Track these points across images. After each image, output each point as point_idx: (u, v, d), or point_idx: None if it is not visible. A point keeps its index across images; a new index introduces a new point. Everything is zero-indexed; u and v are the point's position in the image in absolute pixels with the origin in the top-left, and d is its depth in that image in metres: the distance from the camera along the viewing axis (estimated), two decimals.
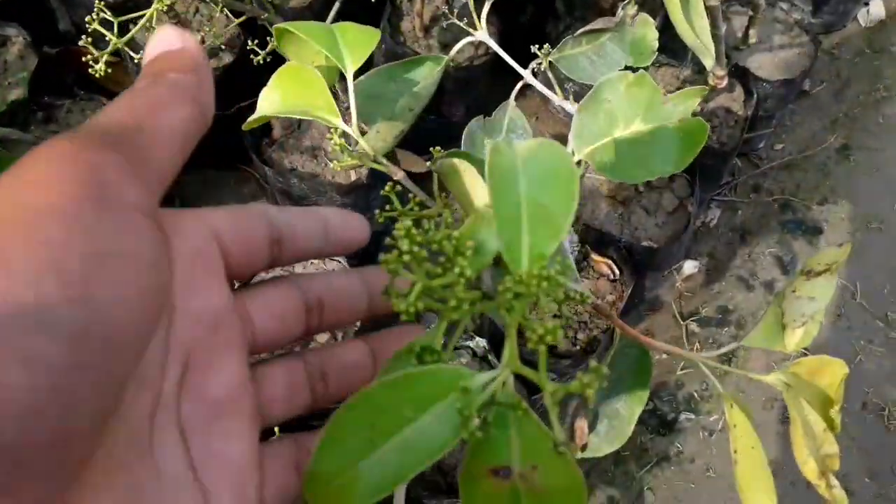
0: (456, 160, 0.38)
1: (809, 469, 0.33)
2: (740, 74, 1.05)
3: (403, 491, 0.62)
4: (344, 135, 0.48)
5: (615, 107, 0.49)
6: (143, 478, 0.22)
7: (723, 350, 0.41)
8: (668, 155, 0.47)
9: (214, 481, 0.24)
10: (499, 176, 0.29)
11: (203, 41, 1.05)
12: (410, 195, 0.46)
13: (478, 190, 0.39)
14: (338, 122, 0.48)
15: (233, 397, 0.26)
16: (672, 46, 0.99)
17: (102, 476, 0.20)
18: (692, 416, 1.05)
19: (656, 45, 0.61)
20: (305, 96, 0.50)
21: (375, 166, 0.49)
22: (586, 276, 0.96)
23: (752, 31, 1.05)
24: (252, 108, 0.50)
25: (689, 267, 1.17)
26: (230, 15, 0.83)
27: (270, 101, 0.52)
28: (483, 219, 0.33)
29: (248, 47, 0.75)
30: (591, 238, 0.96)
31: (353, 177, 0.90)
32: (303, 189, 0.95)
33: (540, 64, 0.56)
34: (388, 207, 0.40)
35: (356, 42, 0.51)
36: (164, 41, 0.25)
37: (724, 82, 0.92)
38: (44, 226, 0.18)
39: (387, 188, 0.41)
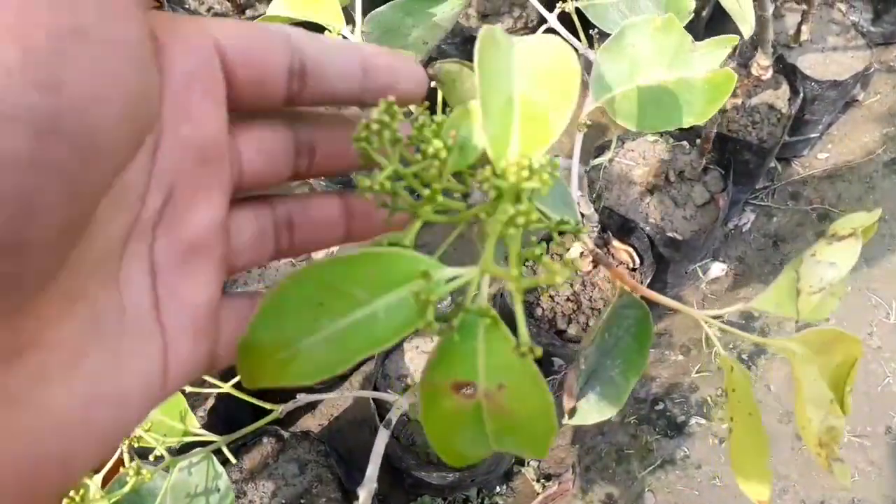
0: (455, 65, 0.35)
1: (809, 435, 0.30)
2: (788, 72, 1.01)
3: (378, 461, 0.60)
4: None
5: (639, 52, 0.45)
6: (104, 309, 0.20)
7: (730, 309, 0.37)
8: (691, 106, 0.44)
9: (175, 325, 0.22)
10: (490, 64, 0.26)
11: None
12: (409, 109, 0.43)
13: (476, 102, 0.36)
14: (341, 27, 0.46)
15: (208, 239, 0.23)
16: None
17: (64, 301, 0.18)
18: (703, 422, 1.01)
19: (693, 5, 0.57)
20: (313, 3, 0.48)
21: None
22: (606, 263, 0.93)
23: (804, 28, 1.01)
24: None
25: (717, 269, 1.12)
26: None
27: (279, 5, 0.50)
28: (470, 113, 0.30)
29: None
30: (614, 224, 0.92)
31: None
32: None
33: (564, 7, 0.53)
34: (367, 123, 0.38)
35: None
36: None
37: (769, 74, 0.87)
38: None
39: (382, 105, 0.39)
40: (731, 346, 1.06)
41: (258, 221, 0.26)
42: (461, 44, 1.06)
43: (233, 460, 0.51)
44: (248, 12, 1.06)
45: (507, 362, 0.24)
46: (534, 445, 0.26)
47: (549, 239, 0.75)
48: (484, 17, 1.05)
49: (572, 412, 0.48)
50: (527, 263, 0.98)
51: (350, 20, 0.48)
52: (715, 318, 0.38)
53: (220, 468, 0.48)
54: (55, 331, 0.18)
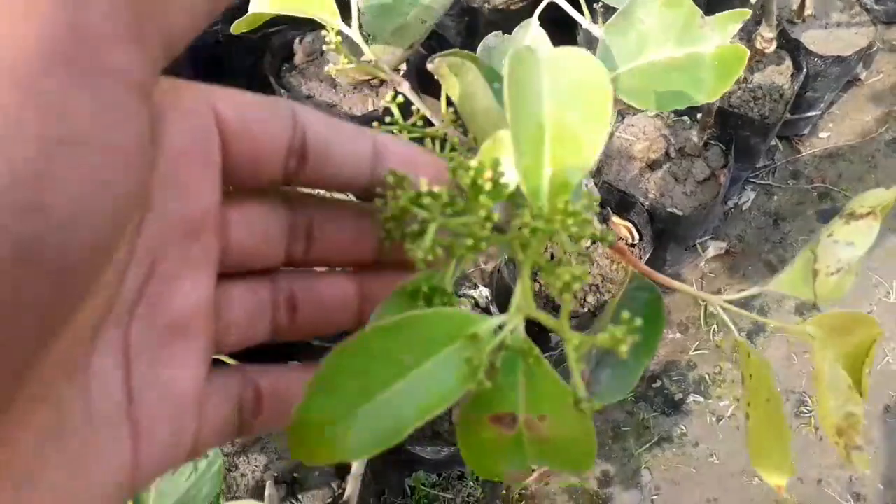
0: (457, 58, 0.33)
1: (829, 425, 0.29)
2: (791, 47, 0.99)
3: (362, 464, 0.59)
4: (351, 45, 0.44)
5: (647, 28, 0.44)
6: (69, 409, 0.18)
7: (744, 294, 0.36)
8: (701, 83, 0.43)
9: (152, 415, 0.20)
10: (519, 90, 0.25)
11: None
12: (414, 108, 0.41)
13: (478, 95, 0.35)
14: (336, 21, 0.44)
15: (193, 319, 0.21)
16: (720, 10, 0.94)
17: (27, 404, 0.16)
18: (701, 399, 1.00)
19: None
20: None
21: (376, 71, 0.45)
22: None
23: (807, 3, 0.99)
24: (278, 34, 0.46)
25: (716, 247, 1.12)
26: None
27: (262, 2, 0.47)
28: (501, 143, 0.29)
29: None
30: (614, 199, 0.91)
31: (370, 107, 0.86)
32: None
33: None
34: (387, 120, 0.36)
35: None
36: None
37: (772, 47, 0.86)
38: None
39: (387, 98, 0.37)
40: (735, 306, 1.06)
41: (254, 296, 0.24)
42: (458, 14, 1.04)
43: None
44: None
45: (548, 393, 0.23)
46: (576, 465, 0.25)
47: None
48: None
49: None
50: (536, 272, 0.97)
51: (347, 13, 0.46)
52: (728, 301, 0.37)
53: None
54: (15, 438, 0.16)
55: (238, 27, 0.50)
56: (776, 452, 0.32)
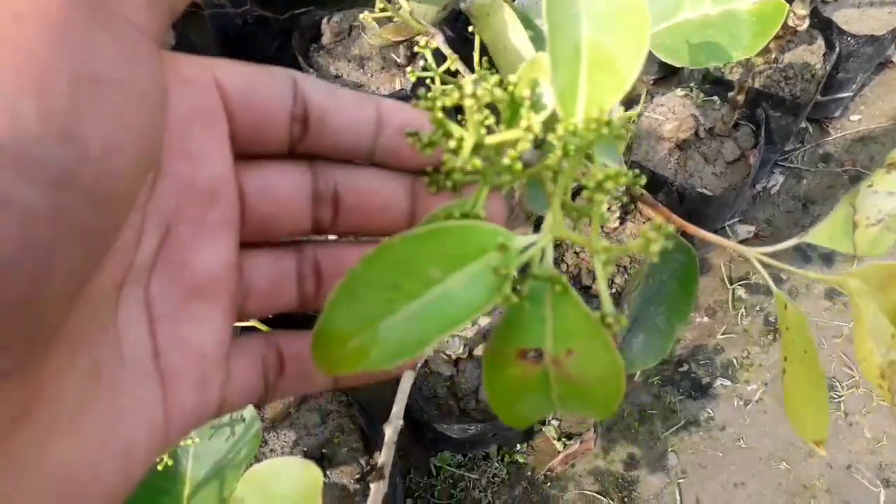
0: None
1: (869, 368, 0.28)
2: (824, 26, 0.98)
3: (404, 400, 0.59)
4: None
5: None
6: (104, 357, 0.19)
7: (780, 246, 0.36)
8: (738, 40, 0.42)
9: (179, 370, 0.21)
10: (558, 11, 0.25)
11: None
12: (448, 57, 0.41)
13: (511, 35, 0.34)
14: None
15: (214, 281, 0.22)
16: None
17: (65, 352, 0.17)
18: (728, 383, 0.99)
19: None
20: None
21: (411, 21, 0.45)
22: (632, 219, 0.91)
23: None
24: (306, 14, 0.47)
25: (743, 231, 1.10)
26: None
27: None
28: (538, 65, 0.28)
29: None
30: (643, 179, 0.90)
31: (398, 85, 0.86)
32: None
33: None
34: (421, 65, 0.36)
35: None
36: None
37: (805, 24, 0.85)
38: (25, 36, 0.14)
39: (421, 44, 0.37)
40: (757, 308, 1.05)
41: (278, 265, 0.24)
42: None
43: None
44: None
45: (575, 328, 0.23)
46: (602, 407, 0.25)
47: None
48: None
49: None
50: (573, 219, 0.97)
51: None
52: (768, 255, 0.37)
53: None
54: (58, 384, 0.17)
55: None
56: (813, 407, 0.31)
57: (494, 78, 0.25)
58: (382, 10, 0.41)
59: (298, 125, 0.22)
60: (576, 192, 0.79)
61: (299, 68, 0.96)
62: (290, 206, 0.24)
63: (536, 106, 0.27)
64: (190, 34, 1.03)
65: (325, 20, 0.94)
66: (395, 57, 0.90)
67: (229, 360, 0.23)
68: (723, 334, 1.03)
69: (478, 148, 0.23)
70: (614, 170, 0.21)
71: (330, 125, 0.23)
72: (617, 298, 0.85)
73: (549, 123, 0.24)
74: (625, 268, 0.88)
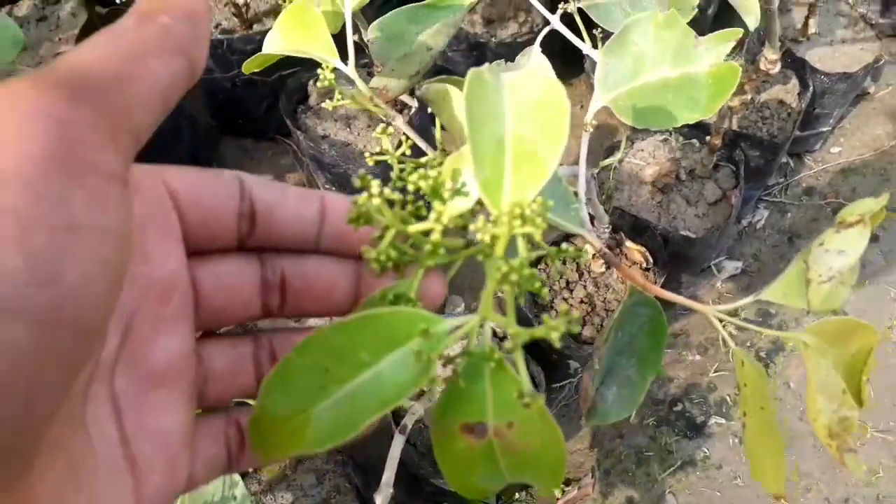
0: (439, 85, 0.35)
1: (820, 426, 0.29)
2: (797, 66, 1.00)
3: (394, 466, 0.60)
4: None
5: (643, 50, 0.45)
6: (79, 455, 0.21)
7: (739, 304, 0.37)
8: (696, 101, 0.44)
9: (146, 456, 0.23)
10: (479, 107, 0.27)
11: (248, 5, 1.04)
12: (404, 136, 0.43)
13: (463, 119, 0.36)
14: (334, 60, 0.46)
15: (172, 370, 0.24)
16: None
17: (46, 452, 0.19)
18: (723, 421, 1.00)
19: (697, 0, 0.57)
20: (306, 37, 0.48)
21: (369, 106, 0.47)
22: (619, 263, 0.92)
23: (811, 22, 1.00)
24: (293, 76, 0.49)
25: (731, 267, 1.12)
26: None
27: (274, 42, 0.50)
28: (464, 157, 0.30)
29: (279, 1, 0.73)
30: (626, 224, 0.92)
31: (386, 145, 0.88)
32: (333, 156, 0.94)
33: (567, 7, 0.53)
34: (378, 150, 0.38)
35: None
36: None
37: (777, 68, 0.87)
38: (5, 193, 0.16)
39: (378, 130, 0.39)
40: (748, 343, 1.05)
41: (235, 350, 0.26)
42: (467, 50, 1.07)
43: (250, 470, 0.51)
44: (256, 27, 1.06)
45: (514, 401, 0.24)
46: (548, 475, 0.26)
47: (541, 258, 0.76)
48: (489, 22, 1.05)
49: (590, 413, 0.48)
50: (539, 267, 0.98)
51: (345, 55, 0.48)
52: (728, 314, 0.38)
53: (237, 476, 0.48)
54: (41, 487, 0.18)
55: (249, 67, 0.52)
56: (771, 459, 0.32)
57: (419, 172, 0.27)
58: (339, 100, 0.43)
59: (246, 221, 0.25)
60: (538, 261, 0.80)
61: (287, 129, 0.99)
62: (241, 295, 0.26)
63: (465, 192, 0.29)
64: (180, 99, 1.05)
65: (311, 82, 0.97)
66: (381, 116, 0.92)
67: (194, 441, 0.24)
68: (715, 372, 1.03)
69: (404, 234, 0.25)
70: (520, 263, 0.23)
71: (276, 219, 0.25)
72: (588, 348, 0.86)
73: (475, 212, 0.25)
74: (611, 311, 0.89)
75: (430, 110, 0.36)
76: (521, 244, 0.24)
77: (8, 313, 0.15)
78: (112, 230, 0.18)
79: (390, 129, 0.36)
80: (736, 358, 0.34)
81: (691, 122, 0.44)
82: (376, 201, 0.24)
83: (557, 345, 0.22)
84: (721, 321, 0.38)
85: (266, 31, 1.10)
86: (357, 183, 0.24)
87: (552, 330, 0.22)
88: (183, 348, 0.24)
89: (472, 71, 0.27)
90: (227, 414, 0.26)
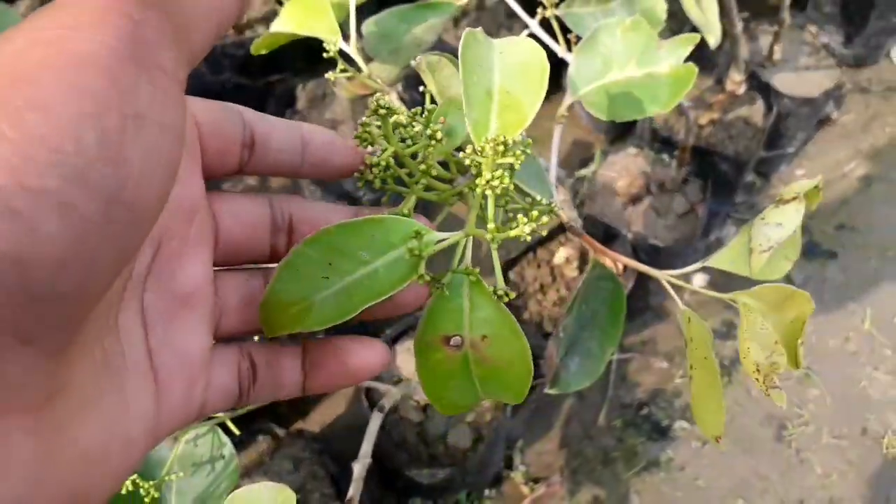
0: (435, 56, 0.39)
1: (749, 363, 0.33)
2: (762, 89, 1.06)
3: (372, 439, 0.62)
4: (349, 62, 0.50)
5: (611, 50, 0.49)
6: (111, 352, 0.22)
7: (686, 270, 0.41)
8: (656, 98, 0.48)
9: (169, 371, 0.25)
10: (472, 61, 0.31)
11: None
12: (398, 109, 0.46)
13: (452, 86, 0.40)
14: (337, 39, 0.50)
15: (196, 293, 0.26)
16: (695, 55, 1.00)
17: (84, 340, 0.20)
18: (686, 426, 1.04)
19: (664, 16, 0.62)
20: (313, 18, 0.52)
21: (368, 81, 0.50)
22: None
23: (776, 48, 1.06)
24: (281, 81, 0.52)
25: (699, 279, 1.16)
26: None
27: (282, 23, 0.54)
28: (454, 104, 0.34)
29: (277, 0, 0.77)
30: (598, 232, 0.96)
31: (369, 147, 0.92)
32: None
33: (545, 13, 0.58)
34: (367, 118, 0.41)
35: None
36: None
37: (742, 88, 0.92)
38: (86, 76, 0.17)
39: (372, 101, 0.43)
40: (719, 336, 1.10)
41: (248, 285, 0.28)
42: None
43: (236, 432, 0.54)
44: (248, 33, 1.10)
45: (489, 316, 0.28)
46: (514, 389, 0.30)
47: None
48: None
49: (554, 381, 0.51)
50: (514, 270, 1.02)
51: (346, 35, 0.52)
52: (679, 278, 0.42)
53: (225, 438, 0.51)
54: (79, 371, 0.20)
55: (257, 47, 0.56)
56: (713, 406, 0.36)
57: (416, 109, 0.31)
58: (343, 70, 0.47)
59: (247, 149, 0.27)
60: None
61: None
62: (255, 232, 0.28)
63: (453, 134, 0.33)
64: None
65: (299, 87, 1.00)
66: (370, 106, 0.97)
67: (210, 366, 0.26)
68: (680, 378, 1.07)
69: (400, 159, 0.29)
70: (501, 173, 0.27)
71: (271, 147, 0.28)
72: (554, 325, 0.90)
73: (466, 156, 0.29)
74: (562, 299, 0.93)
75: (421, 88, 0.40)
76: (502, 177, 0.28)
77: (81, 183, 0.16)
78: (170, 126, 0.19)
79: (384, 99, 0.39)
80: (683, 316, 0.38)
81: (653, 115, 0.48)
82: (382, 117, 0.28)
83: (528, 239, 0.26)
84: (674, 286, 0.42)
85: (257, 37, 1.14)
86: (372, 105, 0.28)
87: (525, 226, 0.26)
88: (206, 273, 0.26)
89: (467, 30, 0.31)
90: (239, 347, 0.28)
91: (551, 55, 0.58)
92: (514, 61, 0.31)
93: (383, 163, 0.29)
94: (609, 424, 1.04)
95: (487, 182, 0.27)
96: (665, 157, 1.02)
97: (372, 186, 0.29)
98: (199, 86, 1.10)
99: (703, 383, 0.36)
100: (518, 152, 0.28)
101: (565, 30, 0.59)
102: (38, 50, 0.17)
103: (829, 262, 1.15)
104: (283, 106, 1.02)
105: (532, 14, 0.61)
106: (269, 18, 1.07)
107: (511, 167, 0.28)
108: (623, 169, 1.01)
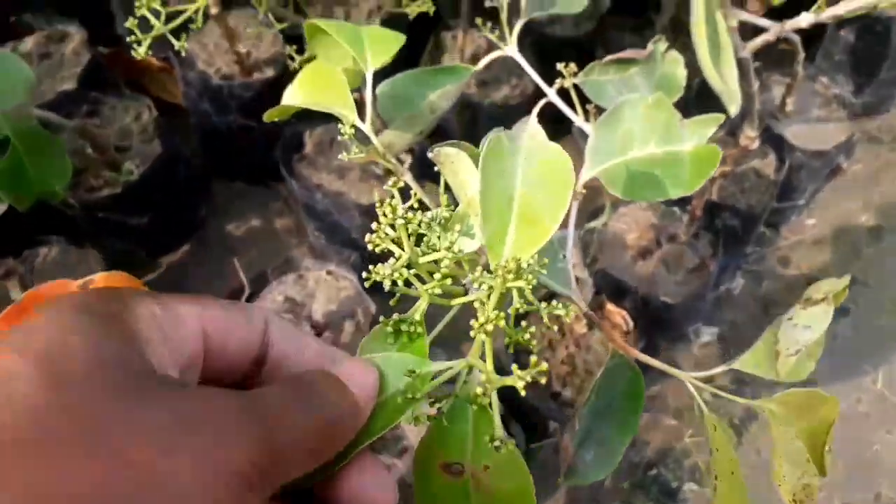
0: (451, 149, 0.38)
1: (785, 490, 0.32)
2: (775, 141, 1.05)
3: None
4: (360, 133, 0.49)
5: (632, 127, 0.48)
6: None
7: (712, 372, 0.39)
8: (678, 179, 0.47)
9: None
10: (493, 170, 0.29)
11: (249, 55, 1.07)
12: (412, 192, 0.45)
13: (471, 182, 0.39)
14: (353, 116, 0.49)
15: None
16: (709, 111, 0.99)
17: None
18: (696, 488, 1.02)
19: (684, 83, 0.61)
20: (326, 93, 0.51)
21: (382, 161, 0.49)
22: (601, 325, 0.94)
23: (789, 100, 1.05)
24: (289, 123, 0.51)
25: (707, 333, 1.14)
26: (276, 23, 0.85)
27: (295, 95, 0.53)
28: (474, 207, 0.33)
29: (287, 54, 0.77)
30: (609, 287, 0.95)
31: (377, 196, 0.91)
32: (326, 205, 0.96)
33: (563, 83, 0.57)
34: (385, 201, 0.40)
35: (380, 43, 0.52)
36: None
37: (756, 144, 0.91)
38: None
39: (389, 183, 0.41)
40: (721, 410, 1.07)
41: None
42: (460, 108, 1.10)
43: None
44: (256, 74, 1.09)
45: (492, 446, 0.26)
46: None
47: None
48: (483, 84, 1.09)
49: (569, 473, 0.49)
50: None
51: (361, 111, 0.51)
52: (703, 381, 0.40)
53: None
54: None
55: (270, 116, 0.55)
56: None
57: (434, 214, 0.30)
58: (359, 151, 0.46)
59: (255, 365, 0.26)
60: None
61: (280, 175, 1.01)
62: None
63: (469, 235, 0.32)
64: (176, 138, 1.07)
65: (307, 131, 0.99)
66: (374, 169, 0.95)
67: None
68: (690, 437, 1.05)
69: (414, 265, 0.28)
70: (497, 315, 0.26)
71: (285, 370, 0.27)
72: (568, 409, 0.88)
73: (476, 261, 0.28)
74: (592, 373, 0.91)
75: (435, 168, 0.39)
76: (515, 296, 0.27)
77: None
78: None
79: (400, 182, 0.38)
80: (708, 423, 0.36)
81: (674, 198, 0.47)
82: (399, 226, 0.27)
83: (522, 392, 0.25)
84: (695, 387, 0.40)
85: (265, 80, 1.13)
86: (386, 211, 0.27)
87: (520, 379, 0.24)
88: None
89: (492, 134, 0.30)
90: None
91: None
92: (539, 169, 0.30)
93: (397, 268, 0.28)
94: (616, 487, 1.02)
95: (481, 325, 0.26)
96: (676, 209, 1.01)
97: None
98: (205, 126, 1.09)
99: (729, 498, 0.34)
100: (530, 277, 0.26)
101: (583, 97, 0.58)
102: None
103: (840, 319, 1.13)
104: (291, 150, 1.01)
105: (543, 75, 0.60)
106: (276, 60, 1.07)
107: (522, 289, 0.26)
108: (633, 221, 1.00)
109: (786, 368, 0.36)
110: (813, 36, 1.10)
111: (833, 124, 1.10)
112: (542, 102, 0.57)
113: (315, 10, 1.10)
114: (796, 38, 0.74)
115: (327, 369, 0.26)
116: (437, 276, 0.29)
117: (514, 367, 0.25)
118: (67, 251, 0.93)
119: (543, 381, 0.25)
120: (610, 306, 0.94)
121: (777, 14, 0.82)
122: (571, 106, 0.57)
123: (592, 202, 1.18)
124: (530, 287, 0.27)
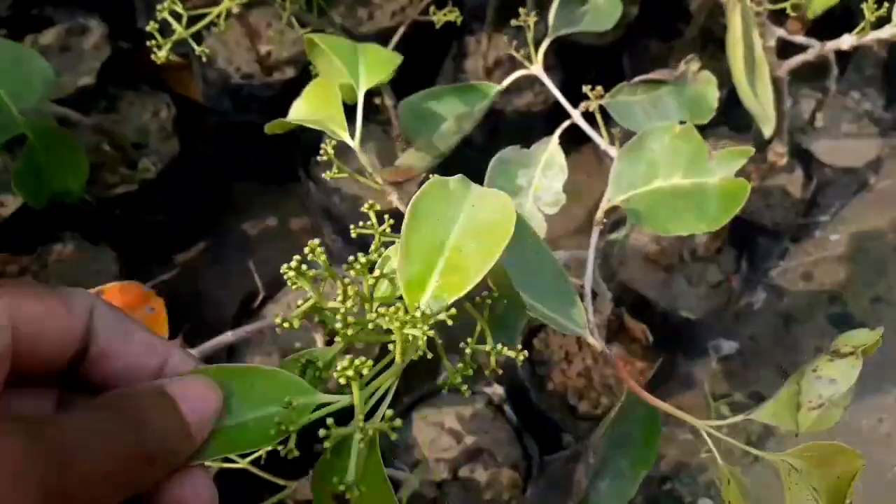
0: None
1: None
2: (803, 157, 1.03)
3: None
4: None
5: (658, 156, 0.47)
6: None
7: (729, 421, 0.38)
8: (704, 212, 0.45)
9: None
10: (426, 212, 0.29)
11: (270, 54, 1.07)
12: (386, 216, 0.44)
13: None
14: (344, 136, 0.49)
15: None
16: (735, 120, 0.98)
17: None
18: (710, 503, 1.00)
19: (716, 104, 0.59)
20: (323, 110, 0.50)
21: (366, 181, 0.49)
22: (620, 339, 0.93)
23: (819, 115, 1.03)
24: (307, 129, 0.52)
25: (728, 347, 1.13)
26: (297, 25, 0.84)
27: (297, 111, 0.53)
28: (393, 254, 0.33)
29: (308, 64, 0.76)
30: (629, 300, 0.93)
31: (393, 204, 0.90)
32: (342, 209, 0.95)
33: (589, 106, 0.55)
34: (361, 224, 0.39)
35: (376, 63, 0.51)
36: None
37: (784, 160, 0.89)
38: None
39: (366, 206, 0.40)
40: (740, 426, 1.06)
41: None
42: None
43: None
44: (276, 75, 1.08)
45: (372, 478, 0.27)
46: None
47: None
48: (505, 91, 1.08)
49: (581, 503, 0.49)
50: (539, 337, 0.99)
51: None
52: (716, 428, 0.39)
53: None
54: None
55: (272, 128, 0.54)
56: None
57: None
58: (339, 171, 0.46)
59: (79, 358, 0.25)
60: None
61: (297, 177, 1.01)
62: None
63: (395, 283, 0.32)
64: (194, 136, 1.06)
65: (325, 136, 0.98)
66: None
67: None
68: (706, 452, 1.04)
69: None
70: (361, 362, 0.26)
71: (108, 364, 0.25)
72: (583, 423, 0.87)
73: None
74: (610, 387, 0.90)
75: None
76: (421, 341, 0.27)
77: None
78: None
79: (377, 206, 0.38)
80: (723, 476, 0.35)
81: (698, 233, 0.45)
82: (304, 282, 0.27)
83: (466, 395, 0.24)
84: (709, 435, 0.39)
85: (285, 80, 1.12)
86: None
87: (442, 387, 0.25)
88: None
89: (433, 178, 0.29)
90: None
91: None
92: (482, 218, 0.29)
93: (300, 314, 0.28)
94: (630, 501, 1.00)
95: (343, 371, 0.26)
96: None
97: None
98: (223, 125, 1.09)
99: None
100: (426, 328, 0.26)
101: (608, 119, 0.57)
102: None
103: None
104: (308, 154, 1.00)
105: (575, 92, 0.59)
106: (297, 60, 1.06)
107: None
108: (655, 234, 0.98)
109: (807, 422, 0.35)
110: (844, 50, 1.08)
111: (864, 141, 1.08)
112: (565, 124, 0.56)
113: (338, 10, 1.09)
114: (831, 56, 0.72)
115: (163, 387, 0.24)
116: (349, 320, 0.28)
117: (447, 364, 0.25)
118: (82, 248, 0.93)
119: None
120: (629, 320, 0.92)
121: (813, 29, 0.80)
122: (595, 127, 0.56)
123: (613, 213, 1.16)
124: (424, 337, 0.26)
